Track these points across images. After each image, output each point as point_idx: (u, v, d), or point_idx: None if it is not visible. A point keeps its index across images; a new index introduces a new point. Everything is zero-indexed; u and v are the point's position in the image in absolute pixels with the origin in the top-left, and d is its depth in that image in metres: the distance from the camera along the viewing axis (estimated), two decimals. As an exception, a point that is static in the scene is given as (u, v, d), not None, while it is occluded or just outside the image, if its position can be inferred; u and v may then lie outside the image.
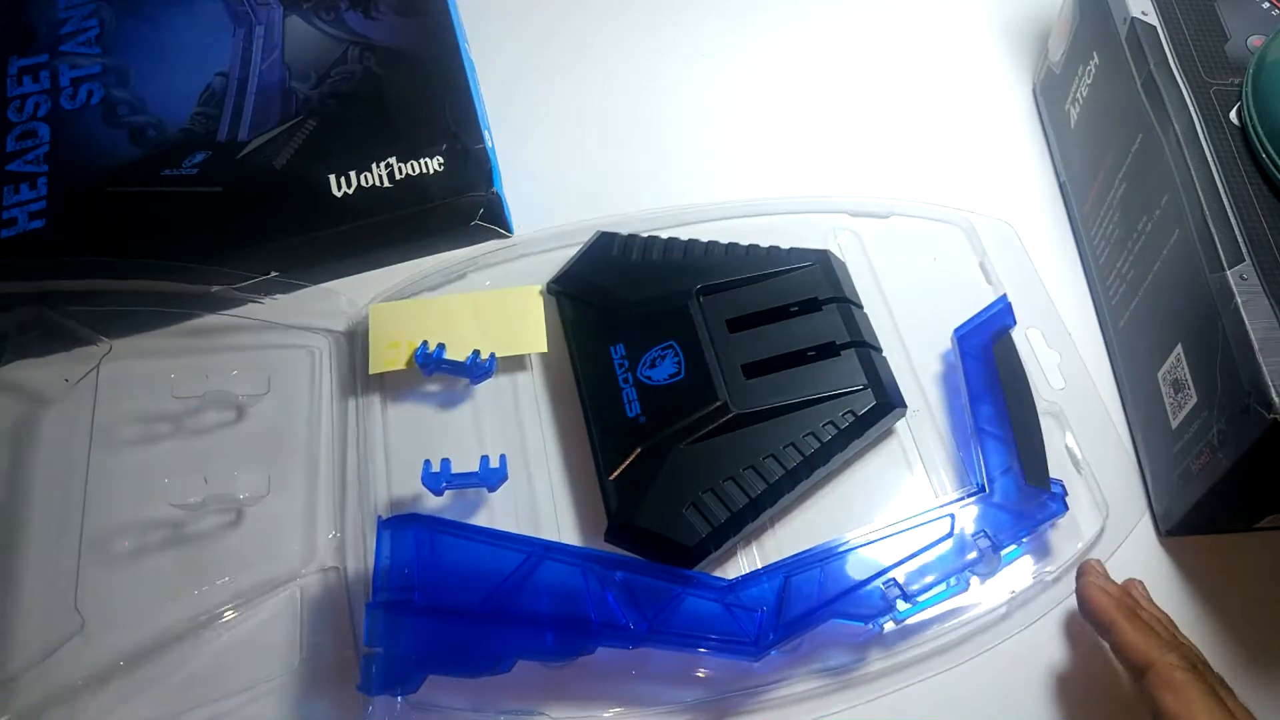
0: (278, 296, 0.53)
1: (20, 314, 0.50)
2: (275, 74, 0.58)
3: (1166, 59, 0.47)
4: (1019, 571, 0.46)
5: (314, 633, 0.45)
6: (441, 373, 0.51)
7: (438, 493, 0.47)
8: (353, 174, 0.55)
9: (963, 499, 0.46)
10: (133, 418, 0.51)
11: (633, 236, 0.54)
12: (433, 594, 0.42)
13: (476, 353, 0.50)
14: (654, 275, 0.52)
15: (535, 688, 0.44)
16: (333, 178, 0.54)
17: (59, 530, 0.47)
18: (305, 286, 0.54)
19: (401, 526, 0.43)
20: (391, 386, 0.52)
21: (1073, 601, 0.46)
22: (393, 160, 0.55)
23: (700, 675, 0.44)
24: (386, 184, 0.55)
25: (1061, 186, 0.59)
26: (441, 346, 0.50)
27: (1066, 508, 0.46)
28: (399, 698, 0.42)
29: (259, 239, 0.53)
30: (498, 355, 0.51)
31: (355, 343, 0.53)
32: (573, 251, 0.54)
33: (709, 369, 0.48)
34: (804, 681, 0.44)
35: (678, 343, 0.49)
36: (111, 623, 0.45)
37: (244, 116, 0.56)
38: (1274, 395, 0.38)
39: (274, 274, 0.53)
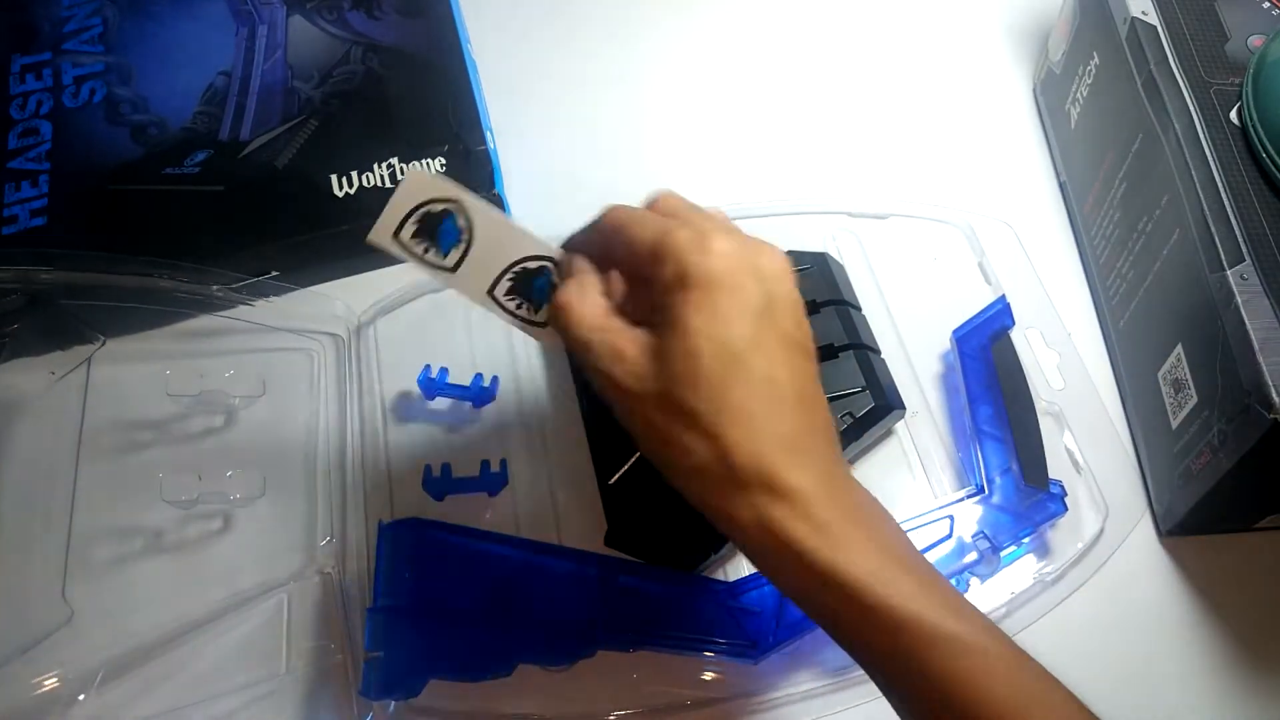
0: (276, 299, 0.53)
1: (7, 303, 0.50)
2: (278, 73, 0.58)
3: (1167, 59, 0.47)
4: (1019, 572, 0.46)
5: (311, 636, 0.45)
6: (445, 396, 0.51)
7: (438, 498, 0.47)
8: (354, 174, 0.55)
9: (962, 500, 0.46)
10: (125, 414, 0.51)
11: (631, 240, 0.54)
12: (434, 598, 0.42)
13: (479, 376, 0.51)
14: (653, 278, 0.52)
15: (536, 691, 0.44)
16: (334, 178, 0.54)
17: (44, 524, 0.47)
18: (304, 289, 0.54)
19: (402, 531, 0.43)
20: (392, 390, 0.52)
21: (1073, 601, 0.46)
22: (394, 161, 0.55)
23: (701, 677, 0.44)
24: (388, 184, 0.55)
25: (1062, 186, 0.59)
26: (445, 370, 0.50)
27: (1066, 508, 0.46)
28: (399, 702, 0.42)
29: (260, 238, 0.53)
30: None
31: (355, 346, 0.53)
32: (574, 253, 0.54)
33: None
34: (804, 682, 0.44)
35: None
36: (102, 618, 0.45)
37: (246, 116, 0.56)
38: (1274, 395, 0.38)
39: (274, 274, 0.54)
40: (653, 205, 0.37)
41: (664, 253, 0.33)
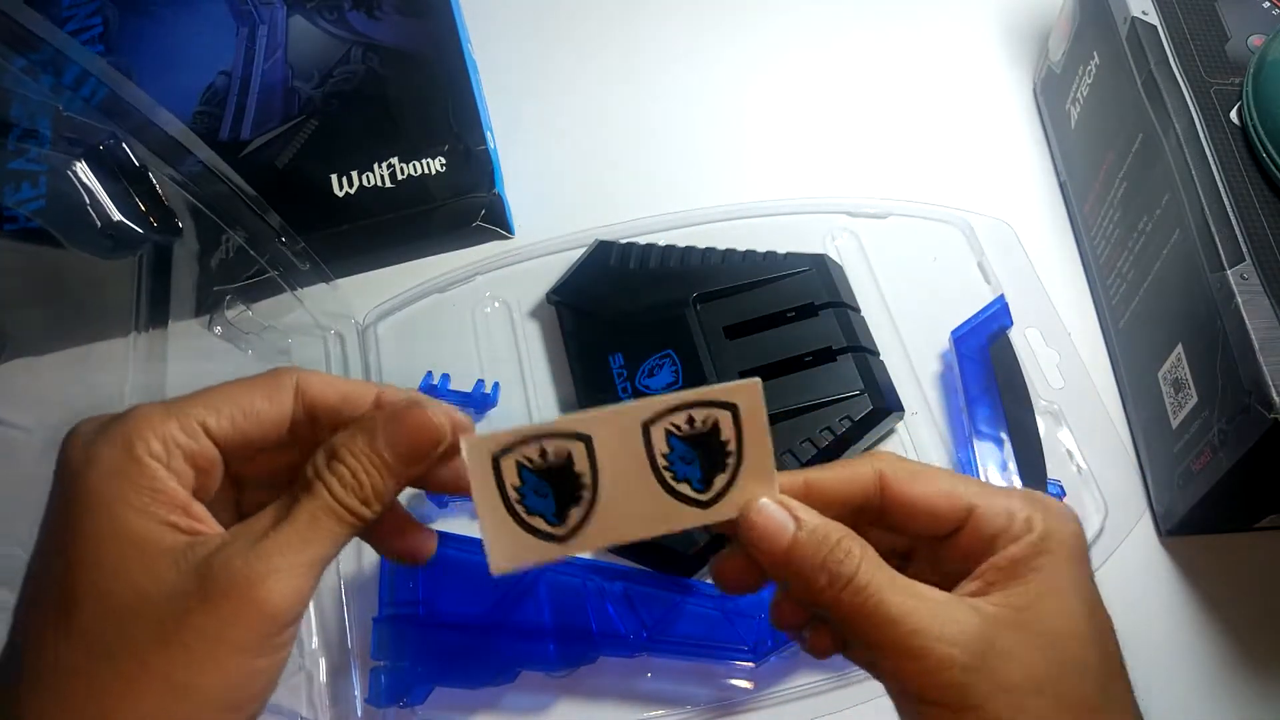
0: (277, 296, 0.53)
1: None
2: (278, 73, 0.58)
3: (1167, 58, 0.47)
4: (1018, 572, 0.46)
5: (314, 642, 0.46)
6: (448, 403, 0.51)
7: (441, 504, 0.48)
8: (354, 174, 0.55)
9: (961, 500, 0.46)
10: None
11: (630, 244, 0.54)
12: (437, 607, 0.43)
13: (481, 383, 0.51)
14: (651, 283, 0.52)
15: (538, 697, 0.44)
16: (335, 177, 0.54)
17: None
18: (305, 286, 0.54)
19: (407, 542, 0.44)
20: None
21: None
22: (394, 160, 0.55)
23: (701, 681, 0.44)
24: (388, 184, 0.55)
25: (1062, 186, 0.59)
26: (446, 376, 0.51)
27: (1064, 508, 0.46)
28: (405, 709, 0.42)
29: (260, 239, 0.54)
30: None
31: (357, 347, 0.53)
32: (576, 254, 0.54)
33: (706, 377, 0.48)
34: (804, 678, 0.44)
35: (675, 351, 0.49)
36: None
37: (246, 116, 0.57)
38: (1274, 395, 0.38)
39: (278, 271, 0.54)
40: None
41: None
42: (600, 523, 0.29)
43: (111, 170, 0.47)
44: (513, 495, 0.29)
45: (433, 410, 0.30)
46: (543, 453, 0.29)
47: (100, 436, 0.28)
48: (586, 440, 0.29)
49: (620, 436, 0.29)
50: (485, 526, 0.29)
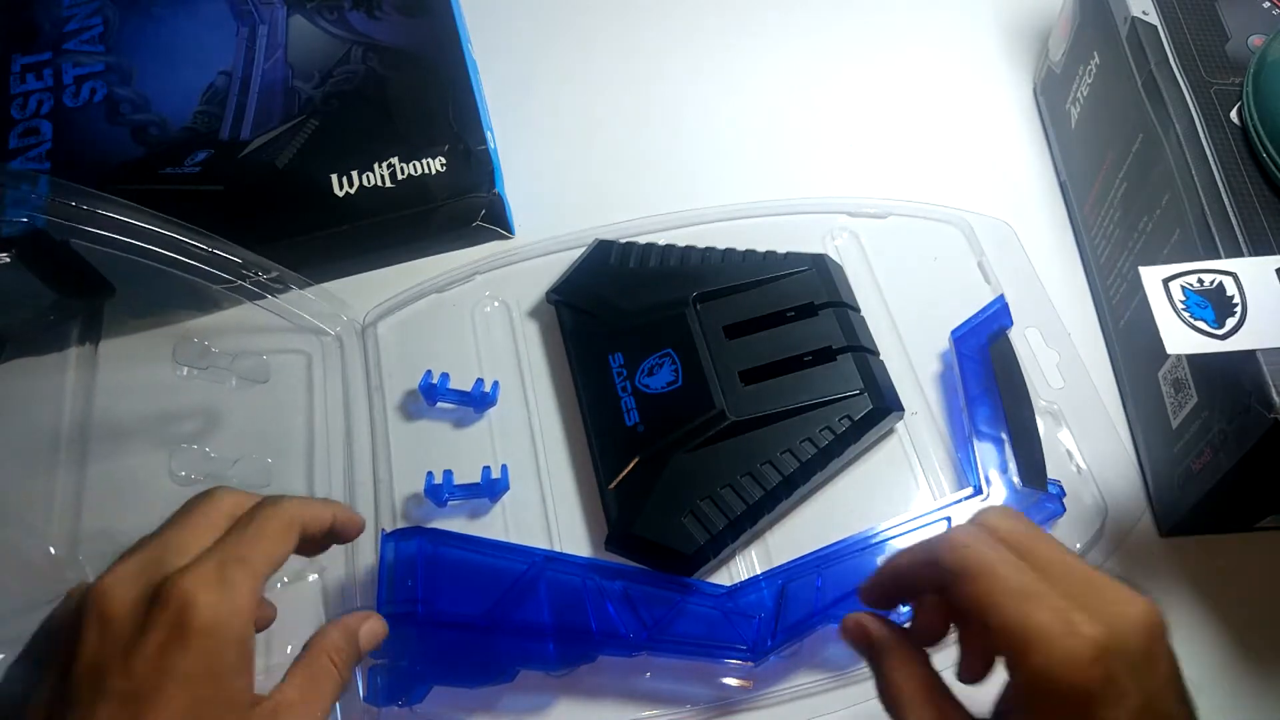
0: (281, 295, 0.53)
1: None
2: (278, 73, 0.58)
3: (1167, 58, 0.47)
4: (1018, 571, 0.46)
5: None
6: (447, 402, 0.51)
7: (440, 504, 0.48)
8: (355, 174, 0.55)
9: (960, 501, 0.46)
10: (130, 388, 0.52)
11: (630, 244, 0.54)
12: (436, 606, 0.43)
13: (480, 382, 0.51)
14: (651, 283, 0.52)
15: (537, 696, 0.44)
16: (335, 177, 0.54)
17: (47, 509, 0.48)
18: (310, 287, 0.54)
19: (405, 540, 0.44)
20: (394, 393, 0.52)
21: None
22: (395, 160, 0.55)
23: (701, 680, 0.44)
24: (388, 184, 0.55)
25: (1062, 186, 0.59)
26: (445, 376, 0.51)
27: (1064, 509, 0.46)
28: (404, 708, 0.42)
29: (260, 238, 0.53)
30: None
31: (357, 348, 0.53)
32: (576, 254, 0.54)
33: (706, 376, 0.48)
34: (803, 678, 0.44)
35: (675, 350, 0.49)
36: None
37: (246, 115, 0.56)
38: (1275, 395, 0.38)
39: (275, 273, 0.54)
40: (992, 533, 0.31)
41: (1024, 644, 0.28)
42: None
43: (34, 255, 0.49)
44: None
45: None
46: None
47: (212, 629, 0.31)
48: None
49: None
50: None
